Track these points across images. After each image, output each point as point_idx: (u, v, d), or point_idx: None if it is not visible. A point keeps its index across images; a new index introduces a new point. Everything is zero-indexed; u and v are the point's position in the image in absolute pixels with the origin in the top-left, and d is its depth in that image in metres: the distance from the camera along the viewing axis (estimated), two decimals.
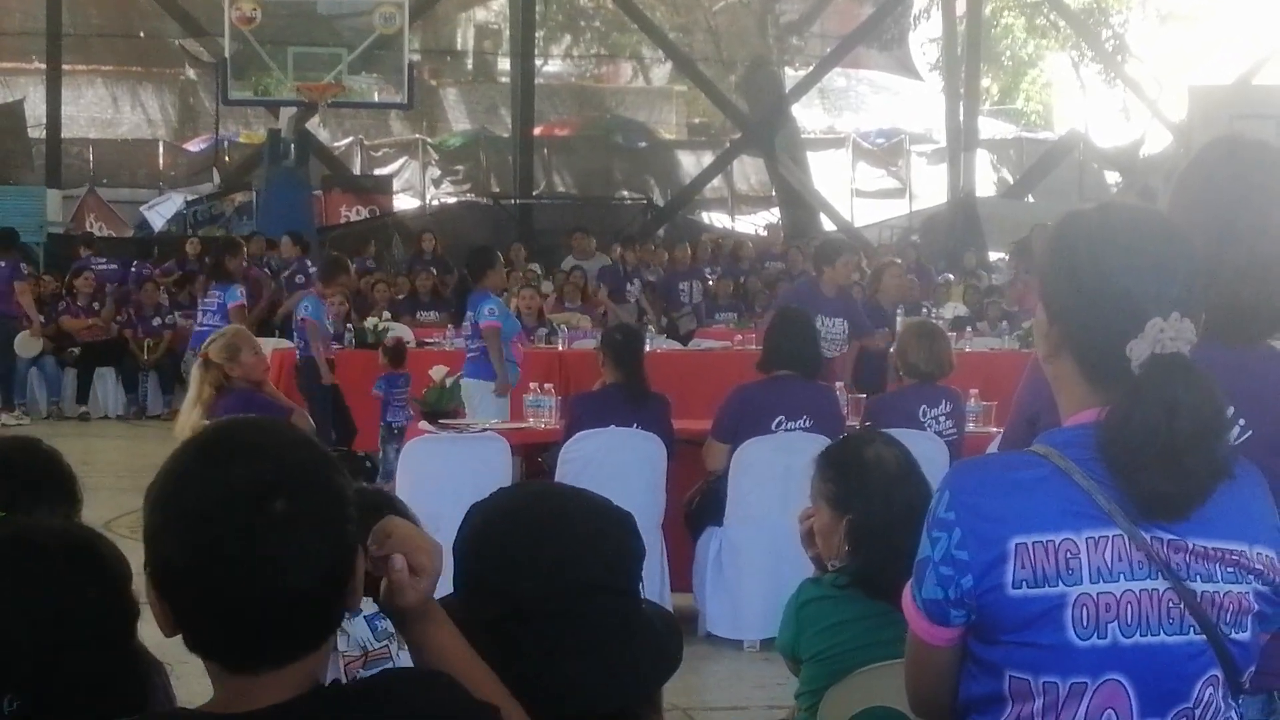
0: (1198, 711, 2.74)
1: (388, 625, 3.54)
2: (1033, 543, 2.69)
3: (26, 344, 20.38)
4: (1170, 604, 2.70)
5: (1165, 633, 2.70)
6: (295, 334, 14.92)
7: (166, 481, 2.35)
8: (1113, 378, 2.75)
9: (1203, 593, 2.71)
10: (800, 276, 24.10)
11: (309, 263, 20.85)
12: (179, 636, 2.34)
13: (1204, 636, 2.71)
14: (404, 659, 3.56)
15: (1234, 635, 2.74)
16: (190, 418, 9.34)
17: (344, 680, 2.77)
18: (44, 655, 2.62)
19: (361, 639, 3.49)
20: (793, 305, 11.43)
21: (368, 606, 3.17)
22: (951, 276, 26.18)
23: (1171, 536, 2.70)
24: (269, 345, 13.08)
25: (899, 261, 16.73)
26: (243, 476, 2.31)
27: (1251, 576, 2.75)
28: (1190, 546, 2.71)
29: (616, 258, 24.31)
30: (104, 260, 23.29)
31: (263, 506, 2.28)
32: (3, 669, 2.63)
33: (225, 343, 9.70)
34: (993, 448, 6.62)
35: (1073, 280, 2.84)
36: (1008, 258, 26.35)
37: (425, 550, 2.55)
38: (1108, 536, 2.69)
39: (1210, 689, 2.74)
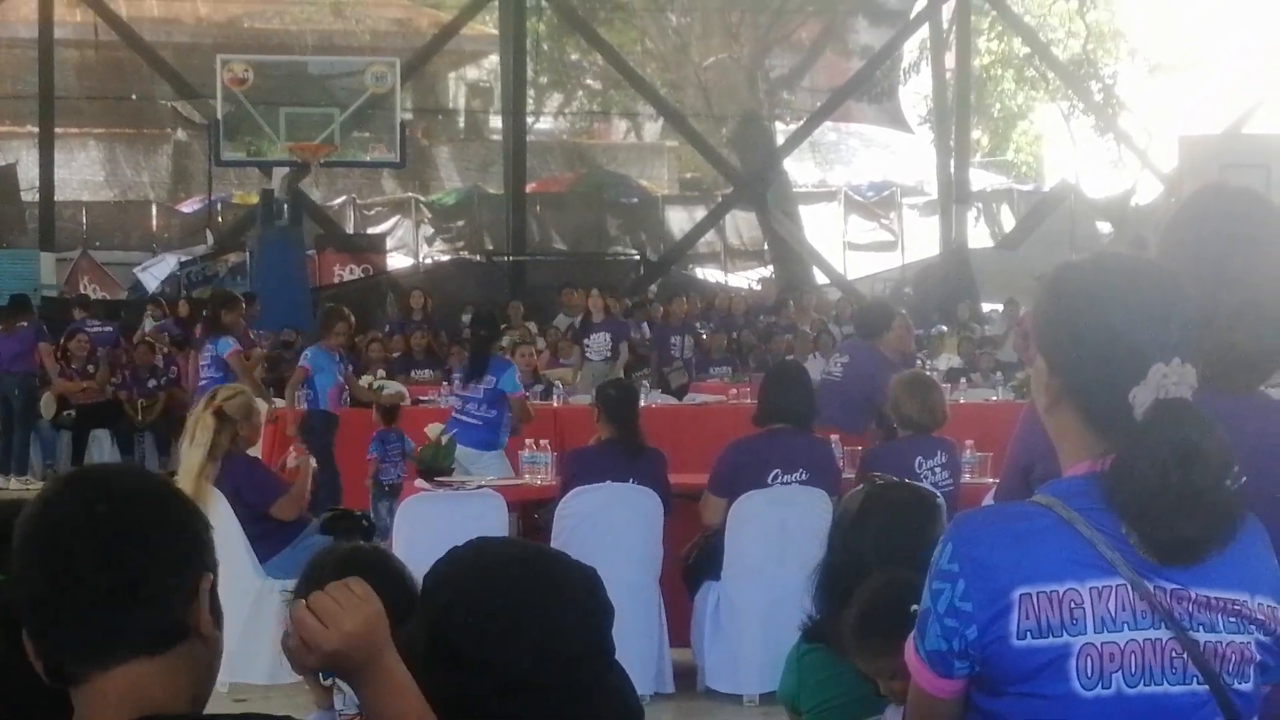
0: None
1: None
2: (1037, 593, 2.68)
3: (49, 405, 20.51)
4: (1174, 654, 2.69)
5: (1169, 683, 2.69)
6: (302, 388, 14.84)
7: (20, 518, 2.50)
8: (1115, 425, 2.74)
9: (1205, 643, 2.70)
10: (788, 330, 24.12)
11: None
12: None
13: (1207, 687, 2.70)
14: None
15: (1237, 685, 2.73)
16: (197, 464, 9.36)
17: None
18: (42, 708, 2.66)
19: (356, 698, 3.48)
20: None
21: None
22: (945, 328, 26.23)
23: (1174, 586, 2.69)
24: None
25: (903, 313, 16.69)
26: (71, 492, 2.49)
27: (1253, 626, 2.74)
28: (1193, 596, 2.70)
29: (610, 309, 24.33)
30: (98, 323, 23.28)
31: (71, 512, 2.44)
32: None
33: (244, 402, 9.74)
34: (989, 499, 6.63)
35: (1072, 331, 2.84)
36: (1002, 309, 26.41)
37: (319, 625, 2.56)
38: (1111, 586, 2.68)
39: None
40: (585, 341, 21.55)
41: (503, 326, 23.49)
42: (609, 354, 21.35)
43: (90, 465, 2.51)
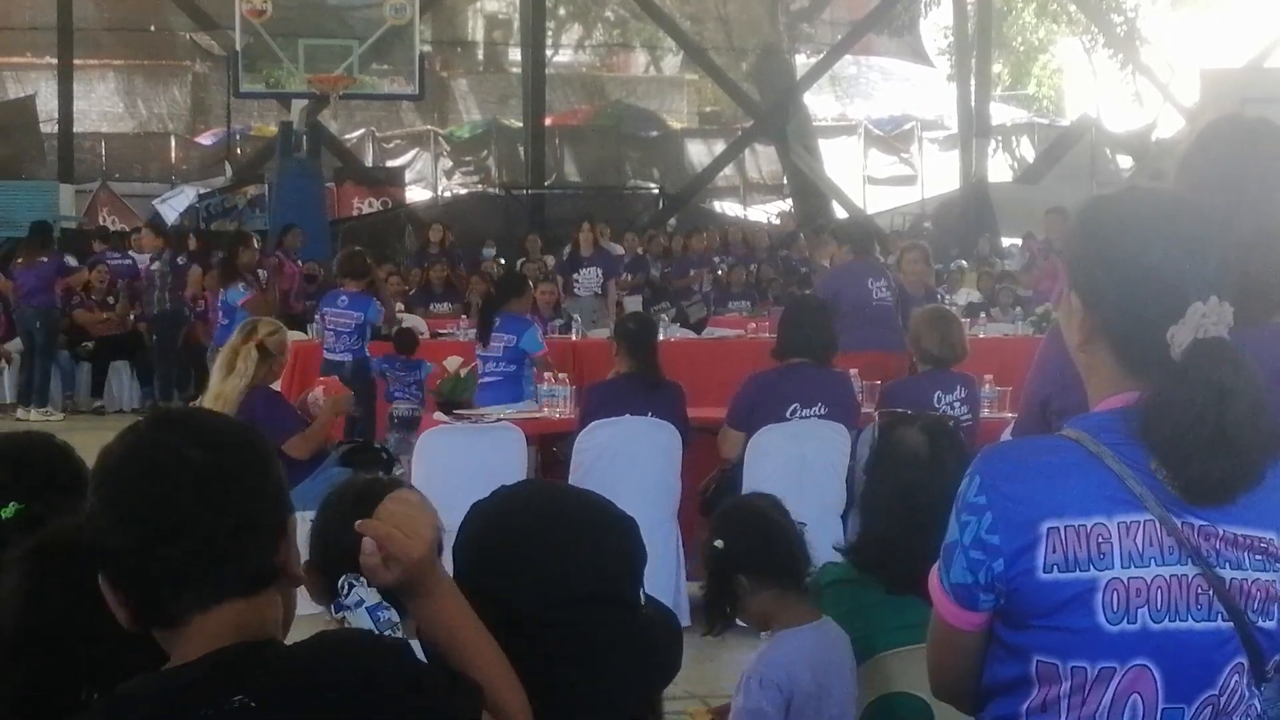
0: (1223, 699, 2.72)
1: (391, 615, 3.55)
2: (1064, 527, 2.67)
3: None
4: (1199, 590, 2.68)
5: (1194, 619, 2.68)
6: (350, 334, 14.78)
7: (96, 461, 2.52)
8: (1150, 363, 2.72)
9: (1231, 580, 2.69)
10: (805, 263, 24.06)
11: (178, 257, 21.26)
12: None
13: (1231, 624, 2.69)
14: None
15: (1261, 623, 2.72)
16: (234, 390, 9.39)
17: None
18: (119, 650, 2.67)
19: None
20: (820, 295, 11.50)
21: (371, 597, 3.19)
22: (965, 263, 26.19)
23: (1202, 523, 2.68)
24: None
25: (922, 244, 16.61)
26: (157, 435, 2.50)
27: (1279, 564, 2.73)
28: (1220, 533, 2.69)
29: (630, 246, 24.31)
30: (118, 255, 23.27)
31: (173, 456, 2.43)
32: (81, 663, 2.76)
33: (282, 339, 9.75)
34: (1007, 433, 6.61)
35: (1107, 267, 2.80)
36: (1021, 243, 26.34)
37: (407, 536, 2.63)
38: (1139, 521, 2.67)
39: (1236, 676, 2.73)
40: (574, 276, 21.06)
41: (519, 261, 23.56)
42: (598, 289, 20.87)
43: (168, 408, 2.55)
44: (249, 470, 2.49)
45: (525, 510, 2.86)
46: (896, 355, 11.50)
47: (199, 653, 2.42)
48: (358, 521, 2.61)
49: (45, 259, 20.59)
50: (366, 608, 3.47)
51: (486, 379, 12.68)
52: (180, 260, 21.26)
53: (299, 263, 21.44)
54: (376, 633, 2.73)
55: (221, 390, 9.45)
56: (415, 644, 2.61)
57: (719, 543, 4.57)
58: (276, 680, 2.41)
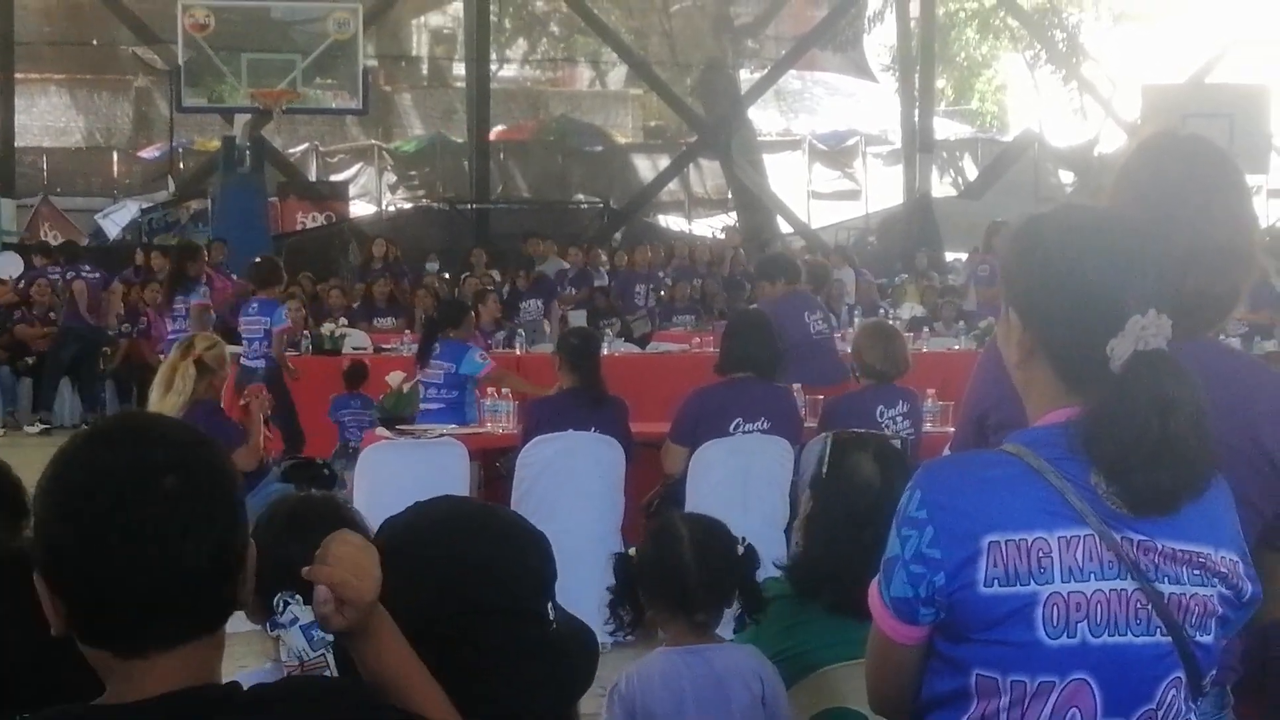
0: (1160, 713, 2.73)
1: (325, 634, 3.53)
2: (1005, 541, 2.68)
3: None
4: (1138, 605, 2.69)
5: (1132, 633, 2.69)
6: (260, 341, 14.79)
7: (53, 468, 2.32)
8: (1090, 377, 2.73)
9: (1170, 595, 2.70)
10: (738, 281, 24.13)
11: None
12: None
13: (1170, 638, 2.71)
14: None
15: (1198, 638, 2.73)
16: (172, 407, 9.30)
17: None
18: (48, 675, 2.63)
19: (298, 649, 3.46)
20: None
21: (305, 615, 3.16)
22: (907, 276, 26.29)
23: (1141, 538, 2.69)
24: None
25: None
26: (129, 455, 2.30)
27: (1216, 580, 2.74)
28: (1159, 548, 2.70)
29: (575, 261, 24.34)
30: (59, 269, 23.11)
31: (149, 482, 2.26)
32: (9, 688, 2.72)
33: (221, 353, 9.68)
34: (949, 448, 6.63)
35: (1045, 282, 2.82)
36: (965, 258, 26.45)
37: (356, 580, 2.52)
38: (1079, 536, 2.68)
39: (1173, 690, 2.74)
40: (517, 307, 21.17)
41: (463, 275, 23.54)
42: (541, 314, 21.18)
43: (114, 418, 2.29)
44: (223, 492, 2.35)
45: (433, 522, 2.88)
46: (839, 388, 11.47)
47: (152, 692, 2.28)
48: (306, 569, 2.55)
49: None
50: (300, 626, 3.46)
51: (429, 404, 12.46)
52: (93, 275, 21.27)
53: (233, 277, 21.34)
54: (323, 667, 2.70)
55: (160, 408, 9.39)
56: None
57: (632, 550, 4.61)
58: None
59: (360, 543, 2.59)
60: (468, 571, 2.76)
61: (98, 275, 21.28)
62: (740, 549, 4.58)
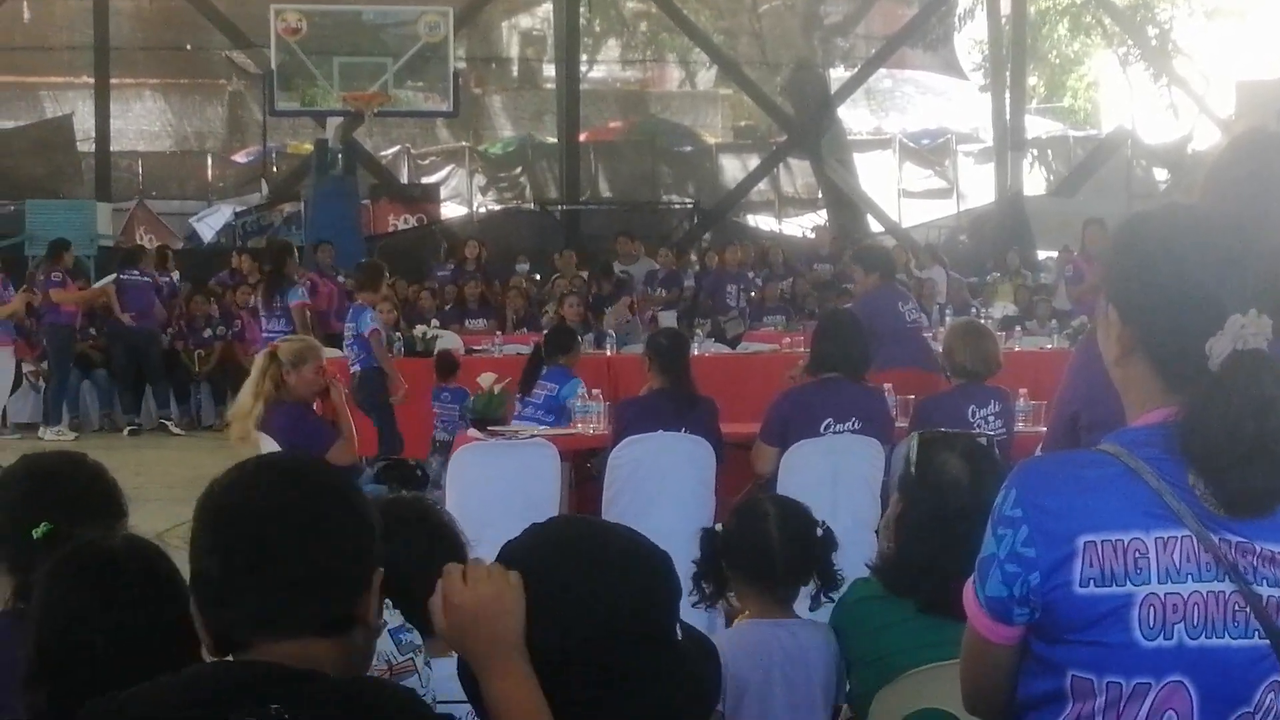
0: (1257, 716, 2.71)
1: (413, 638, 3.57)
2: (1101, 541, 2.67)
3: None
4: (1236, 607, 2.67)
5: (1230, 635, 2.67)
6: (351, 346, 14.79)
7: (206, 495, 2.60)
8: (1188, 376, 2.72)
9: (1268, 597, 2.68)
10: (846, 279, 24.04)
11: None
12: None
13: (1268, 641, 2.68)
14: (429, 672, 3.58)
15: None
16: (245, 404, 9.33)
17: None
18: (123, 672, 2.70)
19: (386, 652, 3.50)
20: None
21: (393, 619, 3.19)
22: (999, 274, 26.15)
23: (1239, 539, 2.68)
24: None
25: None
26: (265, 474, 2.63)
27: None
28: (1258, 550, 2.68)
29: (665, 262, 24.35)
30: (135, 272, 23.27)
31: (274, 495, 2.57)
32: (106, 674, 2.85)
33: (297, 348, 9.64)
34: (1040, 448, 6.58)
35: (1147, 281, 2.81)
36: (1057, 256, 26.29)
37: (459, 583, 2.66)
38: (1176, 537, 2.67)
39: (1271, 694, 2.72)
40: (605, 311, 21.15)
41: (553, 277, 23.58)
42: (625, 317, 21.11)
43: (279, 454, 2.80)
44: (343, 522, 2.59)
45: (553, 546, 2.81)
46: (932, 375, 11.44)
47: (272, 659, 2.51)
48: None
49: (56, 273, 20.17)
50: (390, 629, 3.49)
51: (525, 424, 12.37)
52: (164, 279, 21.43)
53: (339, 279, 21.31)
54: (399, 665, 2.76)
55: (239, 408, 9.41)
56: (442, 663, 2.63)
57: (718, 526, 4.88)
58: (316, 705, 2.46)
59: (498, 572, 2.68)
60: (599, 599, 2.70)
61: (148, 279, 21.26)
62: (819, 530, 4.71)
